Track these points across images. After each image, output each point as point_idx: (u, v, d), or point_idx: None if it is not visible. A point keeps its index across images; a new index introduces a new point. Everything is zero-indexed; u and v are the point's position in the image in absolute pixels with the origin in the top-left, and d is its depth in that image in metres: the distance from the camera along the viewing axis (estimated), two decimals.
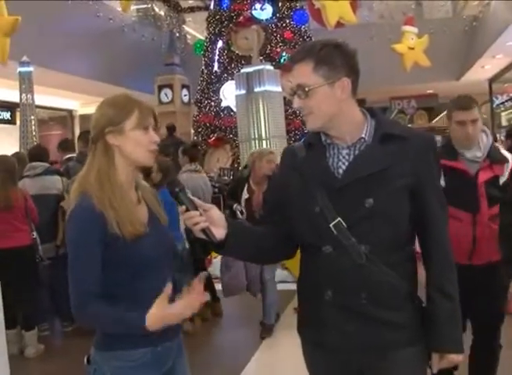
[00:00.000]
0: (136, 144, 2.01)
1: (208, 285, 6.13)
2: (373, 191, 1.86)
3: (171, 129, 10.69)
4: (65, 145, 7.43)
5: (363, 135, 1.93)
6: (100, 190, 1.95)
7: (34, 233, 5.48)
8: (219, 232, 1.91)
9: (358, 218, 1.86)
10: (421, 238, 2.00)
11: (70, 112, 17.75)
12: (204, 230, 1.88)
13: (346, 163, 1.93)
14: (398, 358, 1.92)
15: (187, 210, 1.88)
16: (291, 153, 2.08)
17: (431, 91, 19.22)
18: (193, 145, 8.04)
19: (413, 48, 11.32)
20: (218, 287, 6.40)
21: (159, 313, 1.88)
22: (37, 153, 6.34)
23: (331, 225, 1.88)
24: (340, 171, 1.92)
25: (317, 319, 1.98)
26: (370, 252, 1.86)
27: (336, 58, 1.88)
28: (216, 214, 1.93)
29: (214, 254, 6.17)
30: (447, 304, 1.93)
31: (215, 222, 1.91)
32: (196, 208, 1.89)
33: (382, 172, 1.87)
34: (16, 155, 6.64)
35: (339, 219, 1.87)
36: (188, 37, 18.00)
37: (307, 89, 1.88)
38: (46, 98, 14.04)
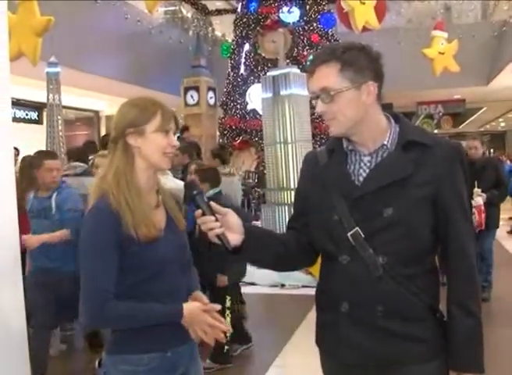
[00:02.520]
0: (156, 147, 2.00)
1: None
2: (393, 200, 1.79)
3: (181, 131, 10.78)
4: (88, 147, 7.52)
5: (385, 142, 1.86)
6: (117, 189, 1.95)
7: None
8: (235, 238, 1.85)
9: (376, 228, 1.79)
10: (443, 250, 1.89)
11: (97, 112, 17.92)
12: (218, 236, 1.83)
13: (367, 171, 1.87)
14: (415, 374, 1.85)
15: (203, 214, 1.83)
16: (313, 159, 2.03)
17: (458, 97, 19.05)
18: (222, 147, 7.92)
19: (443, 53, 11.16)
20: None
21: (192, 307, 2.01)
22: (77, 154, 6.46)
23: (348, 234, 1.82)
24: (361, 179, 1.86)
25: (333, 330, 1.91)
26: (387, 264, 1.79)
27: (362, 61, 1.81)
28: (233, 219, 1.87)
29: None
30: (468, 321, 1.82)
31: (231, 227, 1.85)
32: (213, 212, 1.84)
33: (403, 180, 1.79)
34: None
35: (356, 228, 1.81)
36: (215, 39, 18.03)
37: (332, 93, 1.81)
38: (73, 98, 14.17)
